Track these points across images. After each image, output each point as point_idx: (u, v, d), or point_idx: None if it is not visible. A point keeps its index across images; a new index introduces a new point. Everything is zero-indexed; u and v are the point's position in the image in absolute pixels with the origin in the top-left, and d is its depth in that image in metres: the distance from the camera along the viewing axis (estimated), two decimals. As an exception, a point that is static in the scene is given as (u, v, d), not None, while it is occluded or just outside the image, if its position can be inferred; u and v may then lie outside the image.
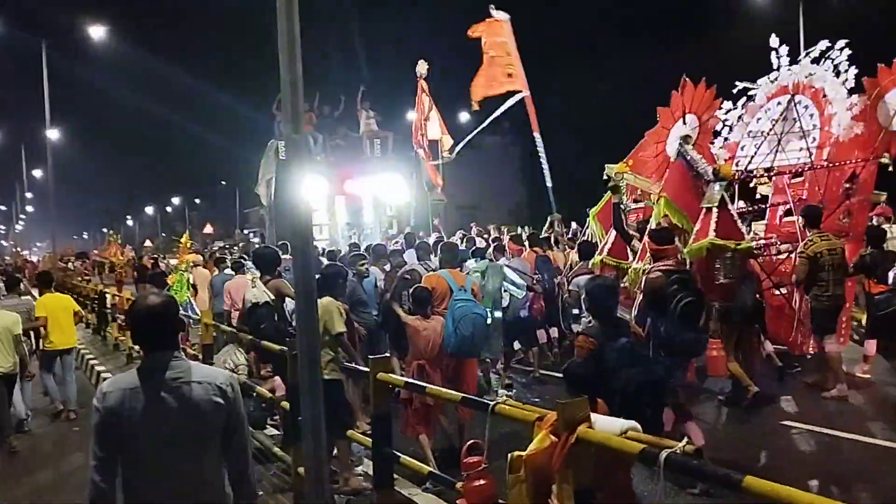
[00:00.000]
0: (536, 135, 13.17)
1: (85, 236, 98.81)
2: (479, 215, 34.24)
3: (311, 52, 4.61)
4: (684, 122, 8.67)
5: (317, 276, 6.68)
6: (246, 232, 42.36)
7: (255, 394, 7.48)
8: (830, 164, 9.53)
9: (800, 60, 9.71)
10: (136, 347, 8.47)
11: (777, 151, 9.47)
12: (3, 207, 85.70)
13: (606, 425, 3.10)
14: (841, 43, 9.41)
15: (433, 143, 16.05)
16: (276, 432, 7.76)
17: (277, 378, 7.74)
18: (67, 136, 46.94)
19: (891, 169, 9.52)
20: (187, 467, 2.82)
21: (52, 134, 28.07)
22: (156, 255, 24.52)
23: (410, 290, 7.19)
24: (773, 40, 9.76)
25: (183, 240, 13.12)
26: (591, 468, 3.07)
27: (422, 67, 15.27)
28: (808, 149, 9.56)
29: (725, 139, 9.80)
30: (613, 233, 9.07)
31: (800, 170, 9.79)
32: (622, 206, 8.70)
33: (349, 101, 20.68)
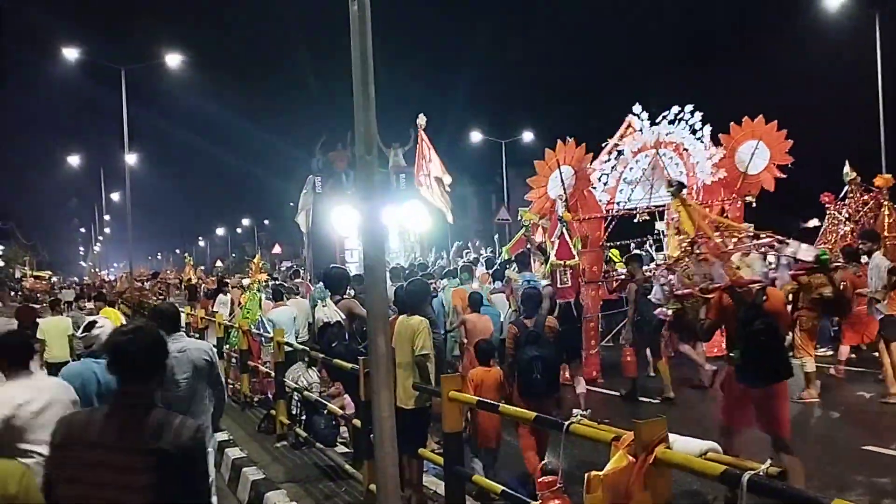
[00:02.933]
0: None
1: (159, 257, 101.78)
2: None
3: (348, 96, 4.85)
4: (560, 172, 11.39)
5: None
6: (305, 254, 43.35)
7: (326, 411, 7.60)
8: (701, 203, 11.80)
9: (659, 122, 12.28)
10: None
11: (651, 194, 12.37)
12: (83, 229, 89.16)
13: (685, 446, 3.06)
14: (689, 108, 12.21)
15: (438, 180, 17.93)
16: (346, 450, 7.84)
17: (347, 396, 7.85)
18: (144, 160, 48.63)
19: (754, 205, 12.34)
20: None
21: (130, 158, 29.16)
22: (221, 275, 25.33)
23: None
24: (637, 107, 12.33)
25: (255, 260, 13.46)
26: (669, 489, 3.04)
27: (421, 120, 17.24)
28: None
29: (605, 184, 12.53)
30: None
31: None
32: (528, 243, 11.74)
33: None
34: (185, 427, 2.80)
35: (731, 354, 5.95)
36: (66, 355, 10.73)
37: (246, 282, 13.20)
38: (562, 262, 10.18)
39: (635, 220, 13.01)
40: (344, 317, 7.80)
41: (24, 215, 69.15)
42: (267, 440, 8.69)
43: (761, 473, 2.61)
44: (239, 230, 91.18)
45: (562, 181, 11.28)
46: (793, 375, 5.95)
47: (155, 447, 2.68)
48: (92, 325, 5.39)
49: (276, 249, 48.51)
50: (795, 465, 5.05)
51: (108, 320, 5.54)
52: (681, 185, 10.07)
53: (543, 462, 3.67)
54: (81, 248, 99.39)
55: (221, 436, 8.40)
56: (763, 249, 8.10)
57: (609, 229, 12.86)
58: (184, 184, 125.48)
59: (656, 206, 12.70)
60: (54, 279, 61.84)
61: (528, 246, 11.65)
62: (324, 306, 8.02)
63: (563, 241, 10.51)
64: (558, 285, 10.05)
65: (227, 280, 21.11)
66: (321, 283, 8.68)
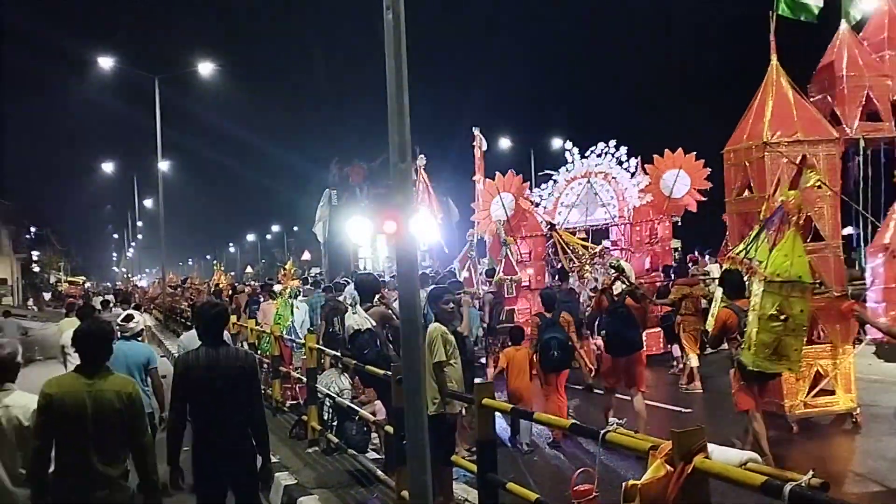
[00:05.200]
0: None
1: (190, 262, 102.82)
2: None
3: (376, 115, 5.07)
4: (500, 198, 13.55)
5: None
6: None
7: (357, 417, 7.62)
8: (631, 223, 14.97)
9: (587, 156, 15.02)
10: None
11: (587, 216, 15.16)
12: (116, 235, 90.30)
13: (724, 455, 3.02)
14: (613, 142, 14.94)
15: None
16: (377, 456, 7.85)
17: (378, 402, 7.87)
18: (176, 167, 49.19)
19: (679, 224, 14.88)
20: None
21: (163, 165, 29.54)
22: (233, 283, 25.81)
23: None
24: (568, 144, 15.26)
25: (287, 266, 13.58)
26: (708, 500, 3.01)
27: (421, 161, 18.58)
28: (609, 213, 15.08)
29: (545, 208, 15.05)
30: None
31: (609, 225, 15.48)
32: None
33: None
34: (248, 353, 5.27)
35: (601, 334, 8.99)
36: None
37: (277, 287, 13.35)
38: (508, 277, 12.77)
39: (576, 237, 15.10)
40: (374, 323, 7.82)
41: (59, 221, 70.14)
42: (299, 445, 8.74)
43: (803, 484, 2.57)
44: (269, 236, 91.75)
45: (503, 206, 13.56)
46: (642, 349, 8.51)
47: (237, 366, 4.77)
48: (129, 317, 7.26)
49: (306, 255, 48.69)
50: (641, 405, 8.21)
51: (142, 315, 6.78)
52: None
53: (580, 470, 3.65)
54: (115, 254, 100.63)
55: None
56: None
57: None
58: (215, 190, 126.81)
59: (591, 226, 15.38)
60: (88, 284, 62.78)
61: (469, 261, 14.33)
62: (353, 313, 8.04)
63: (507, 260, 13.16)
64: (505, 295, 12.62)
65: (237, 285, 21.55)
66: (351, 289, 8.78)
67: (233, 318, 16.08)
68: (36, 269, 57.69)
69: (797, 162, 8.38)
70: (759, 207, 8.25)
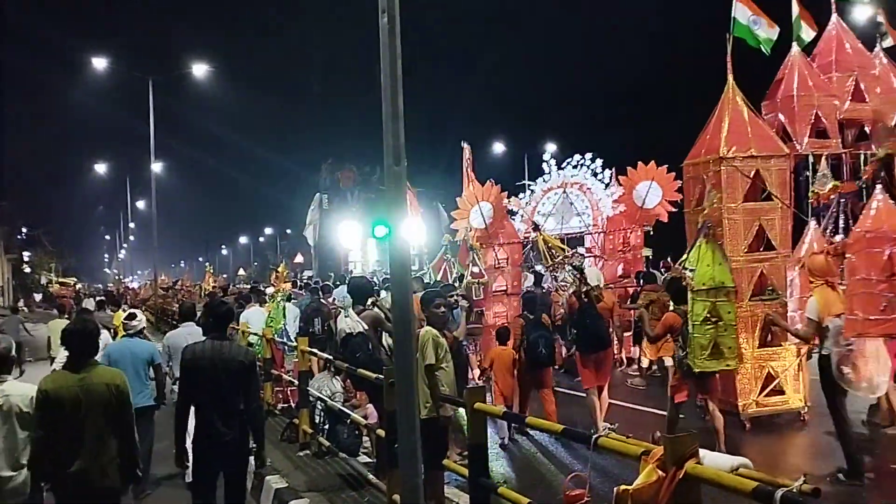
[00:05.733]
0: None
1: (182, 264, 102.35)
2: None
3: (371, 118, 5.13)
4: (479, 207, 13.62)
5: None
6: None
7: (349, 420, 7.61)
8: (605, 231, 15.72)
9: (564, 167, 15.70)
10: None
11: (563, 224, 15.78)
12: (108, 237, 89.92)
13: (715, 461, 3.03)
14: (589, 155, 15.62)
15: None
16: (368, 459, 7.84)
17: (370, 406, 7.85)
18: (169, 169, 49.11)
19: (652, 233, 15.46)
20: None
21: (156, 167, 29.46)
22: (224, 285, 25.84)
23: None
24: (546, 155, 16.21)
25: (280, 269, 13.55)
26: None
27: None
28: (584, 222, 15.83)
29: (522, 216, 15.33)
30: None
31: (584, 234, 16.25)
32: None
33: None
34: (248, 349, 5.84)
35: (572, 333, 9.67)
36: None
37: (270, 290, 13.32)
38: (476, 280, 13.23)
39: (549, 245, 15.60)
40: (366, 327, 7.81)
41: (51, 222, 69.75)
42: (290, 449, 8.72)
43: (794, 490, 2.57)
44: (262, 239, 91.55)
45: (481, 214, 13.83)
46: (611, 345, 9.40)
47: (238, 360, 5.28)
48: (132, 316, 7.92)
49: (299, 258, 48.59)
50: (605, 400, 8.90)
51: (143, 314, 8.52)
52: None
53: (571, 475, 3.65)
54: (106, 256, 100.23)
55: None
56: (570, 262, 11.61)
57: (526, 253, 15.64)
58: (208, 193, 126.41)
59: (566, 235, 15.84)
60: (79, 286, 62.49)
61: (444, 263, 14.79)
62: (346, 316, 8.03)
63: (474, 264, 13.77)
64: (473, 297, 12.74)
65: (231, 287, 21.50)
66: (342, 291, 8.78)
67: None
68: (27, 269, 57.44)
69: (751, 176, 9.05)
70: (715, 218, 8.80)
